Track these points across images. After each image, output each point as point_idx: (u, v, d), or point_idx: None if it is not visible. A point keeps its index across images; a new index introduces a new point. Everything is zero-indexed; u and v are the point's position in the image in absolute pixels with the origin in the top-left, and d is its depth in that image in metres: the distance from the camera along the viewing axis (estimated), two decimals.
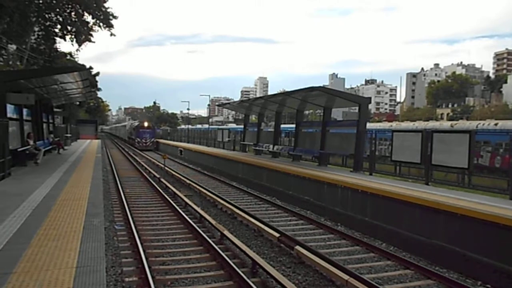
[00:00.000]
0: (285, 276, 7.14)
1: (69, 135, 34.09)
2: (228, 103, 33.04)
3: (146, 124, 49.79)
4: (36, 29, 32.30)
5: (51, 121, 27.26)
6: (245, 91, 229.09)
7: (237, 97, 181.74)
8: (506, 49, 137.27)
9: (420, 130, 14.19)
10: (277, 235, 9.57)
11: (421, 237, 9.14)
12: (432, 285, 7.35)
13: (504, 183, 11.31)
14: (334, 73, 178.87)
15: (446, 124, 32.39)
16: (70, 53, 40.26)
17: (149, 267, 7.28)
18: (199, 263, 8.06)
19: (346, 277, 6.86)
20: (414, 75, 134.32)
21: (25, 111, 17.66)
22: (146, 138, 47.52)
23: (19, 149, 15.04)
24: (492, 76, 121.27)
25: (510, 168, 10.86)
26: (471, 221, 8.04)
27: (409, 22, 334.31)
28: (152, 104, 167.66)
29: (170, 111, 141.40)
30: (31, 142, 16.60)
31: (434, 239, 8.81)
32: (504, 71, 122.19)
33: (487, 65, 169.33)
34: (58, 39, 33.97)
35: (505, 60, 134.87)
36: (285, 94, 18.74)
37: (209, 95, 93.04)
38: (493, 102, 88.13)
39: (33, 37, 32.81)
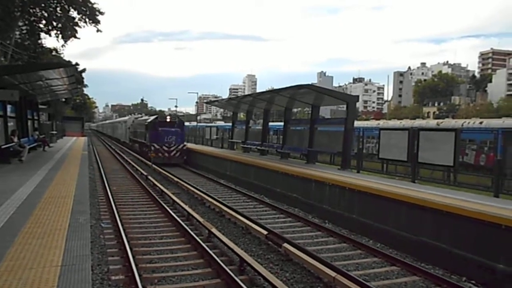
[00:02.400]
0: (272, 273, 7.14)
1: (54, 132, 33.64)
2: (216, 101, 33.00)
3: (169, 119, 28.96)
4: (21, 24, 31.73)
5: (36, 118, 26.84)
6: (234, 89, 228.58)
7: (225, 95, 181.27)
8: (491, 48, 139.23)
9: (407, 128, 14.33)
10: (265, 232, 9.58)
11: (407, 234, 9.23)
12: (418, 281, 7.43)
13: (489, 180, 11.47)
14: (322, 71, 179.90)
15: (432, 123, 32.74)
16: (55, 49, 39.61)
17: (136, 265, 7.22)
18: (186, 261, 8.03)
19: (333, 274, 6.90)
20: (401, 74, 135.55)
21: (9, 107, 17.36)
22: (170, 144, 26.61)
23: (3, 146, 14.80)
24: (477, 75, 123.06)
25: (494, 166, 11.03)
26: (457, 218, 8.15)
27: (397, 22, 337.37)
28: (139, 101, 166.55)
29: (158, 109, 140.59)
30: (16, 139, 16.32)
31: (420, 236, 8.91)
32: (489, 71, 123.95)
33: (473, 65, 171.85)
34: (43, 34, 33.42)
35: (490, 60, 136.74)
36: (274, 92, 18.77)
37: (197, 93, 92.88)
38: (478, 101, 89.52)
39: (17, 33, 32.21)
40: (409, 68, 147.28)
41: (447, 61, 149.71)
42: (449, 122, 30.31)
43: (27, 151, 16.79)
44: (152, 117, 30.69)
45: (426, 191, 10.09)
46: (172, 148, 26.78)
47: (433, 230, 8.69)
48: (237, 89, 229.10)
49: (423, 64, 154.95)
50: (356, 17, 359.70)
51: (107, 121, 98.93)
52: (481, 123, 26.07)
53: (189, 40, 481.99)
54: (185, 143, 28.53)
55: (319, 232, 10.73)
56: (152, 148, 26.13)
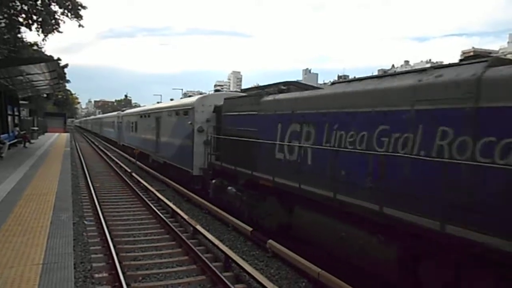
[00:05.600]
0: (258, 270, 7.16)
1: (36, 128, 33.05)
2: None
3: None
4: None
5: (16, 113, 26.39)
6: (219, 85, 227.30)
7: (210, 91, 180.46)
8: (473, 48, 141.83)
9: None
10: (250, 229, 9.58)
11: None
12: None
13: None
14: (307, 68, 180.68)
15: None
16: (36, 44, 38.78)
17: (120, 263, 7.14)
18: (171, 258, 7.99)
19: (318, 269, 6.94)
20: (385, 72, 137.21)
21: None
22: None
23: None
24: None
25: None
26: None
27: (381, 20, 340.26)
28: (123, 97, 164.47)
29: (142, 104, 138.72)
30: None
31: None
32: None
33: None
34: (23, 28, 32.68)
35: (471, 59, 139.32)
36: (259, 89, 18.71)
37: (182, 89, 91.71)
38: None
39: None
40: (393, 65, 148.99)
41: (430, 59, 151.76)
42: None
43: (7, 147, 16.46)
44: None
45: None
46: None
47: None
48: (222, 85, 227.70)
49: (407, 62, 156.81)
50: (341, 15, 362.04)
51: (101, 115, 74.41)
52: None
53: (174, 36, 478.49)
54: None
55: None
56: None
